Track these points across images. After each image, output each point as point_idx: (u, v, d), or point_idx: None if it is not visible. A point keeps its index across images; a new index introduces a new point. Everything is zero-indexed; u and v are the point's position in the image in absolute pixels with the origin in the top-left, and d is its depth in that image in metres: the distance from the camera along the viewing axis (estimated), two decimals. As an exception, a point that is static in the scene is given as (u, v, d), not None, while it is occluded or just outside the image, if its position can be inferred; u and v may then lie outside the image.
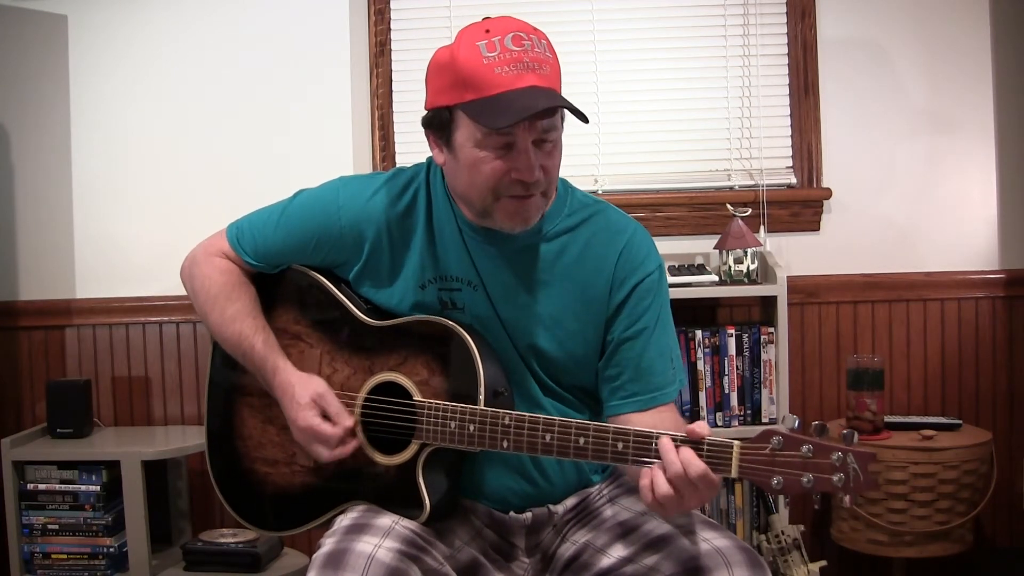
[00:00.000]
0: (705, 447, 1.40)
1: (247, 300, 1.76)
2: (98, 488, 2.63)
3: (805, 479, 1.35)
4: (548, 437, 1.50)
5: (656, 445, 1.43)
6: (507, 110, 1.48)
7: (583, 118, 1.54)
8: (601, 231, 1.69)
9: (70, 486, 2.64)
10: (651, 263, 1.69)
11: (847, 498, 1.35)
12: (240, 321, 1.73)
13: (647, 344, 1.65)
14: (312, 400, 1.64)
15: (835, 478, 1.33)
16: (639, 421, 1.60)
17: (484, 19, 1.58)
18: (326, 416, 1.63)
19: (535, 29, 1.56)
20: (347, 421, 1.63)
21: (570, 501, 1.72)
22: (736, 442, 1.39)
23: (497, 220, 1.60)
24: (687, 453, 1.39)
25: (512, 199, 1.57)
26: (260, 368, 1.71)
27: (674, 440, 1.42)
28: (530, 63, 1.51)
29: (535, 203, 1.59)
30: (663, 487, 1.40)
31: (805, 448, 1.35)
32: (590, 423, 1.49)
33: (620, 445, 1.46)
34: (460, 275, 1.67)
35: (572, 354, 1.67)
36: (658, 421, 1.59)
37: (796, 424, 1.38)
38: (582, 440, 1.48)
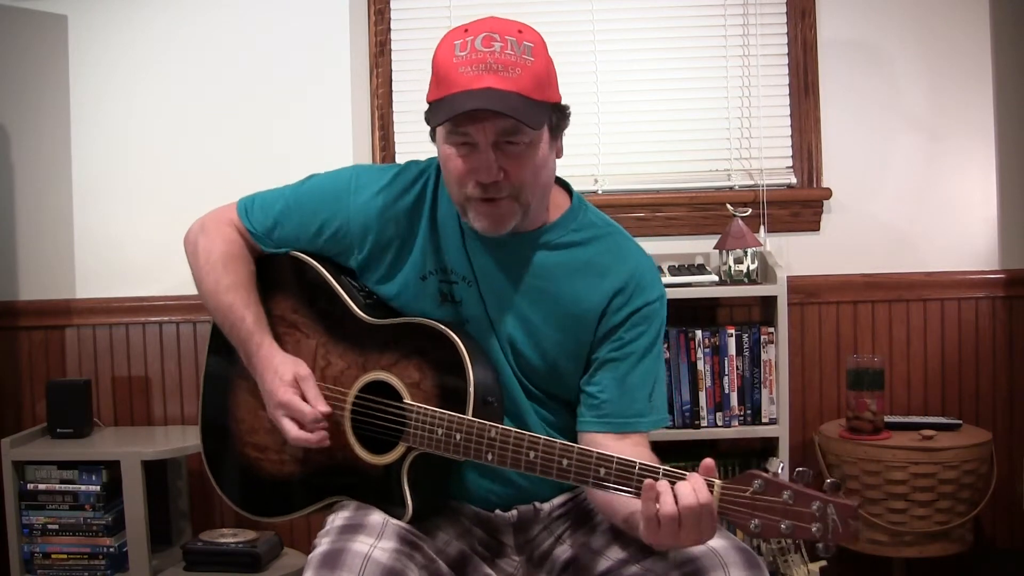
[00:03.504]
0: None
1: (244, 274, 1.76)
2: (98, 488, 2.63)
3: (783, 525, 1.33)
4: (532, 455, 1.50)
5: (637, 475, 1.42)
6: (448, 109, 1.50)
7: (525, 123, 1.50)
8: (606, 253, 1.68)
9: (70, 486, 2.64)
10: (653, 292, 1.68)
11: (823, 548, 1.33)
12: (234, 293, 1.73)
13: (633, 368, 1.65)
14: (294, 379, 1.64)
15: (813, 528, 1.31)
16: (612, 447, 1.56)
17: (486, 18, 1.58)
18: (304, 397, 1.64)
19: (521, 31, 1.55)
20: (323, 406, 1.63)
21: (558, 499, 1.72)
22: (718, 481, 1.38)
23: (470, 220, 1.61)
24: (697, 480, 1.37)
25: (479, 202, 1.57)
26: (245, 341, 1.71)
27: (664, 474, 1.41)
28: (493, 64, 1.50)
29: (504, 207, 1.57)
30: (668, 508, 1.37)
31: (786, 494, 1.33)
32: (574, 445, 1.49)
33: (602, 471, 1.45)
34: (457, 270, 1.68)
35: (552, 364, 1.67)
36: (632, 453, 1.54)
37: (781, 469, 1.38)
38: (565, 462, 1.48)
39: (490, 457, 1.52)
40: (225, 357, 1.82)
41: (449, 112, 1.50)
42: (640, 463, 1.43)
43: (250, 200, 1.82)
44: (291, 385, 1.64)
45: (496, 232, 1.60)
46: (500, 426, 1.53)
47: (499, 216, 1.58)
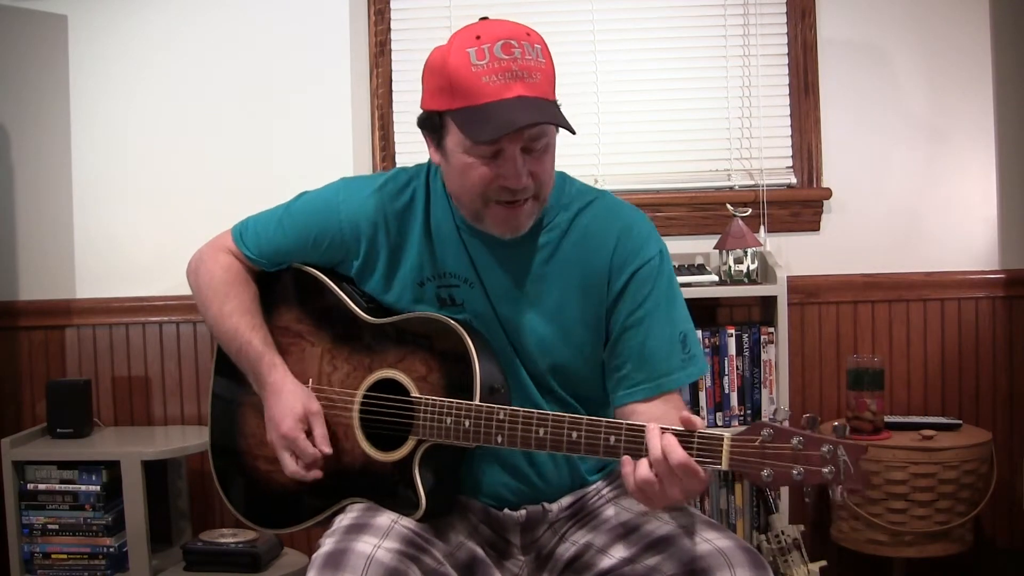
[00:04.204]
0: (696, 439, 1.40)
1: (246, 297, 1.77)
2: (98, 488, 2.63)
3: (795, 471, 1.34)
4: (542, 432, 1.50)
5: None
6: (491, 122, 1.49)
7: (569, 129, 1.52)
8: (598, 218, 1.69)
9: (70, 486, 2.64)
10: (650, 249, 1.67)
11: (839, 490, 1.34)
12: (238, 316, 1.75)
13: (649, 331, 1.65)
14: (305, 415, 1.66)
15: (825, 470, 1.32)
16: (645, 411, 1.60)
17: (480, 20, 1.58)
18: (309, 435, 1.65)
19: (528, 33, 1.55)
20: (327, 448, 1.65)
21: (565, 500, 1.72)
22: (727, 434, 1.39)
23: (488, 225, 1.61)
24: (669, 440, 1.39)
25: (501, 205, 1.58)
26: (255, 363, 1.72)
27: (663, 429, 1.42)
28: (519, 72, 1.50)
29: (526, 209, 1.59)
30: (643, 472, 1.40)
31: (795, 440, 1.34)
32: (583, 417, 1.49)
33: (612, 439, 1.46)
34: (457, 272, 1.68)
35: (576, 341, 1.67)
36: (664, 411, 1.58)
37: (787, 417, 1.38)
38: (575, 434, 1.48)
39: (500, 439, 1.53)
40: (231, 376, 1.82)
41: (501, 126, 1.48)
42: (648, 425, 1.43)
43: (243, 225, 1.83)
44: (301, 420, 1.65)
45: (516, 233, 1.61)
46: (508, 407, 1.54)
47: (519, 220, 1.60)
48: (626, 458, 1.43)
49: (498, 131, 1.49)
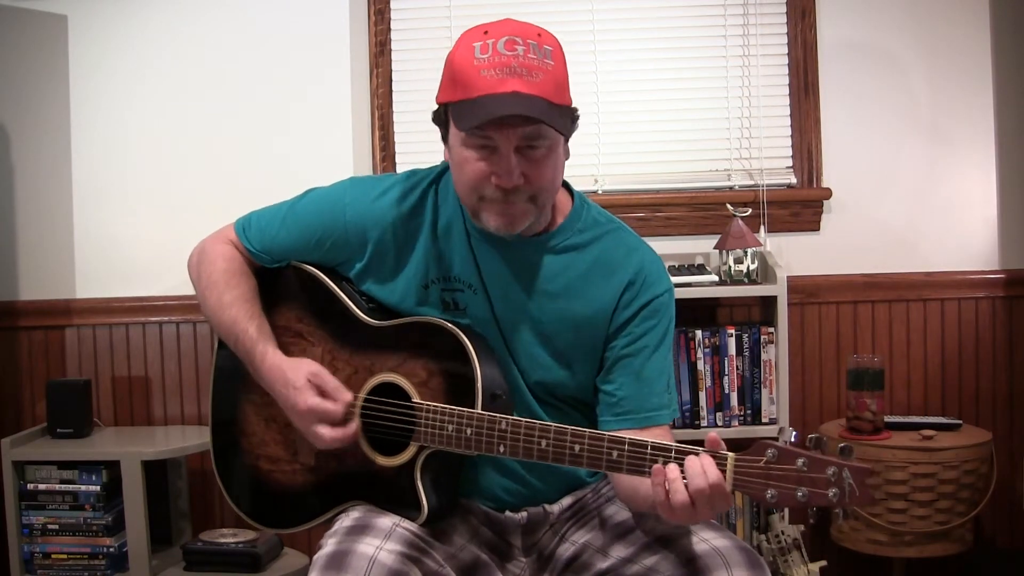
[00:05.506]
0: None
1: (245, 288, 1.77)
2: (98, 488, 2.63)
3: (800, 493, 1.33)
4: (544, 443, 1.50)
5: (650, 455, 1.42)
6: (478, 113, 1.49)
7: (558, 130, 1.51)
8: (612, 250, 1.69)
9: (70, 486, 2.64)
10: (661, 285, 1.68)
11: (842, 513, 1.34)
12: (236, 307, 1.73)
13: (647, 361, 1.65)
14: (308, 380, 1.63)
15: (830, 493, 1.31)
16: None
17: (502, 20, 1.58)
18: (323, 393, 1.63)
19: (540, 34, 1.54)
20: (346, 395, 1.63)
21: (566, 501, 1.72)
22: (731, 454, 1.38)
23: (483, 220, 1.60)
24: (708, 460, 1.37)
25: (496, 202, 1.57)
26: (249, 352, 1.71)
27: (683, 452, 1.41)
28: (517, 68, 1.49)
29: (520, 209, 1.57)
30: (680, 497, 1.37)
31: (800, 462, 1.33)
32: (586, 430, 1.48)
33: (615, 454, 1.45)
34: (462, 277, 1.67)
35: (567, 365, 1.67)
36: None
37: (793, 437, 1.37)
38: (577, 447, 1.48)
39: (502, 449, 1.52)
40: (230, 376, 1.82)
41: (484, 116, 1.48)
42: (652, 442, 1.43)
43: (247, 219, 1.82)
44: (308, 388, 1.63)
45: (510, 231, 1.59)
46: (510, 417, 1.53)
47: (513, 215, 1.58)
48: (657, 467, 1.40)
49: (480, 119, 1.48)
